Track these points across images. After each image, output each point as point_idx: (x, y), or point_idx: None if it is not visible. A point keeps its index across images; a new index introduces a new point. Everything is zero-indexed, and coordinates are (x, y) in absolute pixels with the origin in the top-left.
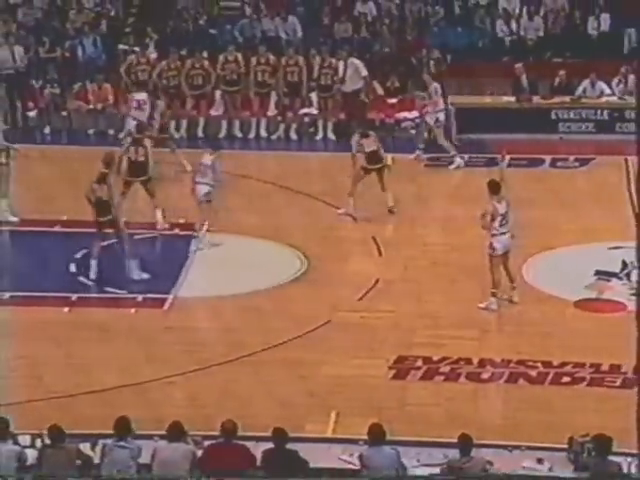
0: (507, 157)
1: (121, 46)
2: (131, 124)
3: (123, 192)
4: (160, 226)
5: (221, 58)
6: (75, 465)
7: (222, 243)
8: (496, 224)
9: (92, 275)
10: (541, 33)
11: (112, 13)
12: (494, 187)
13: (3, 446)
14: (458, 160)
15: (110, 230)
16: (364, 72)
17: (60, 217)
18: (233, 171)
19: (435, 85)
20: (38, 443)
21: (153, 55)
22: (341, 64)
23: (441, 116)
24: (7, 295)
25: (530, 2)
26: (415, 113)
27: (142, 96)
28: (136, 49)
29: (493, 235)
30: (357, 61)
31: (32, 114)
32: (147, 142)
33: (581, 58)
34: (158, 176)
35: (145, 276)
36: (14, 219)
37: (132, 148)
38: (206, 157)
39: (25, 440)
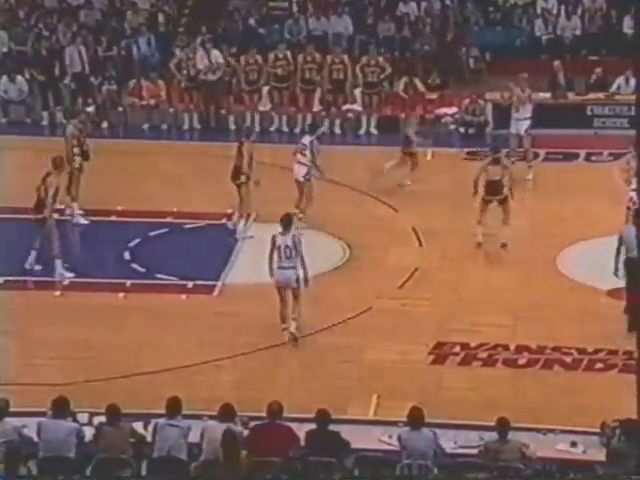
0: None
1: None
2: None
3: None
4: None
5: (272, 56)
6: (129, 443)
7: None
8: None
9: (30, 264)
10: (578, 32)
11: (167, 13)
12: None
13: (63, 423)
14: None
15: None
16: None
17: (115, 207)
18: (280, 163)
19: None
20: (95, 421)
21: (201, 53)
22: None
23: None
24: (67, 281)
25: (568, 2)
26: (454, 109)
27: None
28: (185, 48)
29: None
30: None
31: (90, 109)
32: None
33: (617, 56)
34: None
35: (69, 275)
36: (85, 222)
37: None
38: (305, 137)
39: (83, 418)
